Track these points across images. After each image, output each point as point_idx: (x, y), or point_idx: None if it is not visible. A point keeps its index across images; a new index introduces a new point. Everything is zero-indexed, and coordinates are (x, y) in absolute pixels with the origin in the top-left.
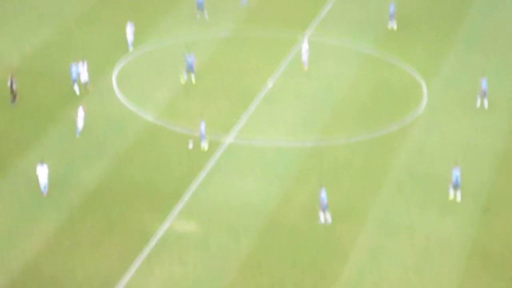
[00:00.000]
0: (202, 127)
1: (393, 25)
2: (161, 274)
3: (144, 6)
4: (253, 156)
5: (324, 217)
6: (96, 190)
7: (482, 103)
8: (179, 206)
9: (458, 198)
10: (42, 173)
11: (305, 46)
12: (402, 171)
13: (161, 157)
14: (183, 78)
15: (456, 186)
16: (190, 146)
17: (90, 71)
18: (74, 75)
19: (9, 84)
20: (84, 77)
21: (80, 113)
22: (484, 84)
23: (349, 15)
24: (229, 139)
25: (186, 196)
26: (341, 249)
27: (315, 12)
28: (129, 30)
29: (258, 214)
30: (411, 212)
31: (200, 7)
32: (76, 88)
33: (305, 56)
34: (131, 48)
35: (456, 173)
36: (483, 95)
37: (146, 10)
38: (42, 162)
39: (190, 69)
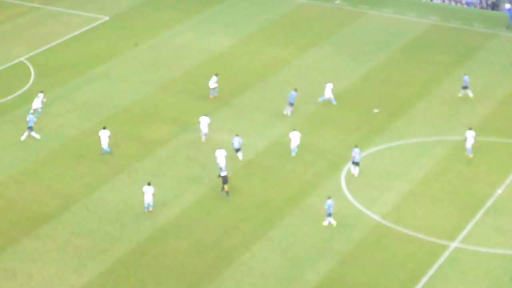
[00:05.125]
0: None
1: (464, 93)
2: None
3: (378, 107)
4: (478, 263)
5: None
6: (318, 287)
7: None
8: None
9: None
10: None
11: None
12: None
13: (385, 259)
14: None
15: None
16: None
17: (320, 168)
18: None
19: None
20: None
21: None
22: None
23: None
24: (454, 245)
25: None
26: None
27: None
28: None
29: None
30: None
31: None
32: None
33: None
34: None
35: None
36: None
37: (380, 111)
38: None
39: None
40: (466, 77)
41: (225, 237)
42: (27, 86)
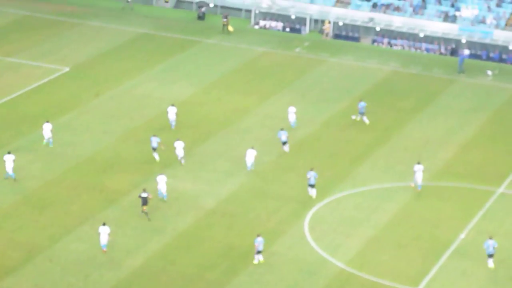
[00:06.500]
0: None
1: (360, 118)
2: None
3: (340, 154)
4: None
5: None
6: None
7: None
8: None
9: None
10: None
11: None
12: None
13: None
14: None
15: None
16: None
17: (283, 216)
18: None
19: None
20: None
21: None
22: None
23: None
24: None
25: None
26: None
27: (510, 167)
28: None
29: None
30: None
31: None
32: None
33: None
34: None
35: None
36: None
37: (342, 158)
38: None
39: None
40: (362, 103)
41: (190, 286)
42: None
